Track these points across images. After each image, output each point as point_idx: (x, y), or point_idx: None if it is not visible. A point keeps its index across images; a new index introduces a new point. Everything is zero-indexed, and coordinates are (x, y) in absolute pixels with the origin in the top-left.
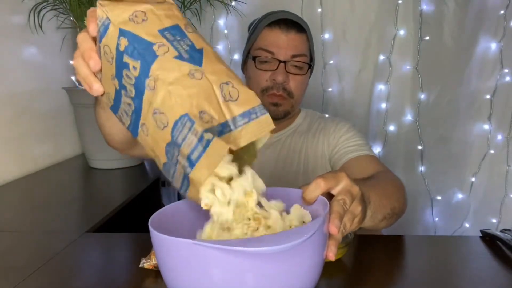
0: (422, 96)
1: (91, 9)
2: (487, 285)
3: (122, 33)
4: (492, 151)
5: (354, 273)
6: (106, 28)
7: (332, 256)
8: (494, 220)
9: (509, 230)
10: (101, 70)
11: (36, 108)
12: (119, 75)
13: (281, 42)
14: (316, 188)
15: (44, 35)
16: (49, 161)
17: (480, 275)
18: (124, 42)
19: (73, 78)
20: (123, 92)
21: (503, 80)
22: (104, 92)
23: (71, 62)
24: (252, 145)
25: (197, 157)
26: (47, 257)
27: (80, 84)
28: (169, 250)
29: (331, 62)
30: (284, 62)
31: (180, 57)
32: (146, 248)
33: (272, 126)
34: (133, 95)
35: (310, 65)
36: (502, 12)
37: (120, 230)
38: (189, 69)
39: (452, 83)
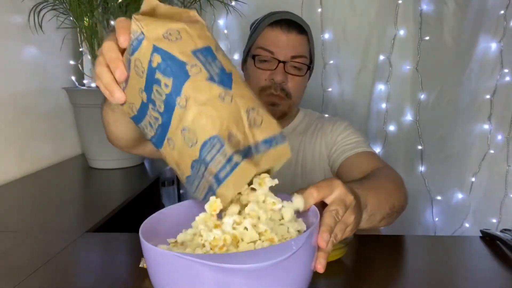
0: (422, 96)
1: (121, 19)
2: (487, 285)
3: (156, 49)
4: (492, 151)
5: (354, 273)
6: (139, 42)
7: (320, 269)
8: (494, 220)
9: (509, 230)
10: (126, 80)
11: (36, 108)
12: (148, 90)
13: (281, 42)
14: (309, 198)
15: (44, 35)
16: (49, 161)
17: (480, 275)
18: (157, 58)
19: (73, 78)
20: (150, 106)
21: (503, 80)
22: (125, 101)
23: (71, 62)
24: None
25: (224, 176)
26: (47, 257)
27: (82, 84)
28: (154, 259)
29: (331, 62)
30: (284, 62)
31: (211, 79)
32: None
33: (289, 154)
34: (162, 110)
35: (309, 67)
36: (502, 12)
37: (120, 230)
38: (220, 91)
39: (452, 83)
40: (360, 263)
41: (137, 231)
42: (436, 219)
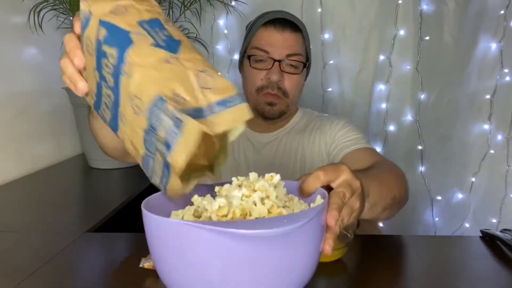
0: (422, 96)
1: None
2: (487, 285)
3: (102, 23)
4: (492, 151)
5: (354, 273)
6: (87, 21)
7: (328, 249)
8: (494, 220)
9: (509, 230)
10: (85, 68)
11: (36, 108)
12: (99, 66)
13: (276, 41)
14: (315, 181)
15: (44, 35)
16: (49, 161)
17: (480, 275)
18: (102, 31)
19: None
20: (103, 84)
21: (503, 80)
22: (88, 91)
23: None
24: (225, 141)
25: (173, 139)
26: (47, 257)
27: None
28: (158, 230)
29: (331, 62)
30: (279, 61)
31: (157, 45)
32: (146, 248)
33: (250, 115)
34: (112, 84)
35: (305, 65)
36: (502, 12)
37: (120, 230)
38: (166, 55)
39: (452, 83)
40: (360, 263)
41: (137, 231)
42: (436, 219)
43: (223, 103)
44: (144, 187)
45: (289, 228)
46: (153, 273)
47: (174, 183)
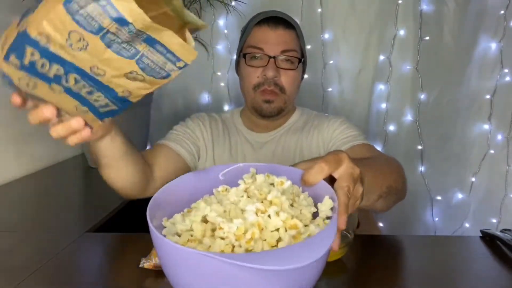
0: (422, 96)
1: None
2: (487, 285)
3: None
4: (492, 151)
5: (354, 273)
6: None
7: (336, 248)
8: (494, 220)
9: (509, 230)
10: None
11: None
12: (42, 76)
13: (270, 38)
14: (319, 173)
15: None
16: (49, 161)
17: (480, 275)
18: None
19: None
20: (63, 84)
21: (503, 80)
22: (57, 111)
23: None
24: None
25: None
26: (47, 257)
27: None
28: (171, 255)
29: (331, 62)
30: (274, 57)
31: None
32: (146, 248)
33: None
34: (60, 69)
35: (300, 60)
36: (502, 12)
37: (120, 230)
38: None
39: (452, 83)
40: (360, 263)
41: (137, 231)
42: (436, 219)
43: None
44: None
45: (316, 259)
46: (153, 273)
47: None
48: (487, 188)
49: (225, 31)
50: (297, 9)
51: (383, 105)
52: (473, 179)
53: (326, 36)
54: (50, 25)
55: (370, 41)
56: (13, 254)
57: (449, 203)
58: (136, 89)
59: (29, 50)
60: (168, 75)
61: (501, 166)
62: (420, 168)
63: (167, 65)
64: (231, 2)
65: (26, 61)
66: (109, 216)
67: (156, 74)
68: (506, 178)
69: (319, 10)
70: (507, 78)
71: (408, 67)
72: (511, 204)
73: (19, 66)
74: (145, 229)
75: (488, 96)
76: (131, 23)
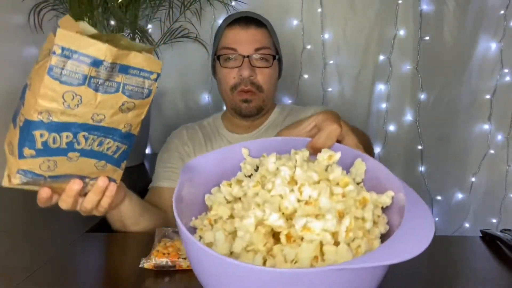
0: (422, 96)
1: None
2: (487, 285)
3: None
4: (492, 151)
5: None
6: None
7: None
8: (494, 220)
9: (509, 230)
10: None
11: None
12: (58, 151)
13: (242, 38)
14: (330, 139)
15: (44, 35)
16: None
17: (480, 275)
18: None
19: None
20: (76, 148)
21: (503, 80)
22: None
23: None
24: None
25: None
26: (47, 257)
27: None
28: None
29: (331, 62)
30: (248, 56)
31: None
32: (146, 248)
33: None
34: (69, 135)
35: (275, 57)
36: (502, 12)
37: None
38: None
39: (452, 83)
40: None
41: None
42: (436, 219)
43: None
44: (144, 187)
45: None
46: (153, 273)
47: None
48: (487, 188)
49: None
50: (297, 9)
51: (383, 105)
52: (473, 179)
53: (326, 36)
54: (45, 100)
55: (370, 41)
56: (13, 254)
57: (449, 203)
58: (133, 118)
59: (37, 133)
60: (150, 91)
61: (501, 166)
62: (420, 168)
63: (145, 82)
64: (231, 2)
65: (39, 145)
66: None
67: (141, 95)
68: (506, 178)
69: (319, 10)
70: (507, 78)
71: (408, 67)
72: (511, 204)
73: (35, 154)
74: None
75: (488, 96)
76: (104, 60)
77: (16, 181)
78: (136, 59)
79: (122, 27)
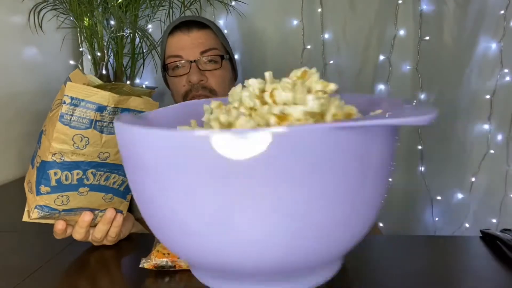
0: (422, 96)
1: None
2: (487, 285)
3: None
4: (492, 151)
5: (354, 273)
6: None
7: None
8: (494, 220)
9: (509, 230)
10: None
11: (36, 108)
12: (70, 187)
13: (186, 43)
14: None
15: (44, 35)
16: None
17: (480, 275)
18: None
19: None
20: (86, 183)
21: (503, 80)
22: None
23: (71, 62)
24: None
25: None
26: (47, 257)
27: None
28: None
29: (331, 62)
30: (195, 61)
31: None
32: (146, 248)
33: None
34: (80, 172)
35: (223, 57)
36: (502, 12)
37: None
38: None
39: (452, 83)
40: (360, 263)
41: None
42: (436, 219)
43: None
44: None
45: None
46: (153, 273)
47: None
48: (487, 188)
49: (225, 31)
50: (297, 9)
51: None
52: (473, 179)
53: (326, 36)
54: (57, 143)
55: (370, 41)
56: (13, 254)
57: (449, 203)
58: None
59: (52, 172)
60: None
61: (501, 166)
62: (420, 168)
63: None
64: (231, 2)
65: (53, 182)
66: None
67: None
68: (506, 178)
69: (319, 10)
70: (507, 78)
71: (408, 67)
72: (511, 204)
73: (50, 190)
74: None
75: (488, 96)
76: (107, 105)
77: (35, 215)
78: (135, 102)
79: (122, 27)
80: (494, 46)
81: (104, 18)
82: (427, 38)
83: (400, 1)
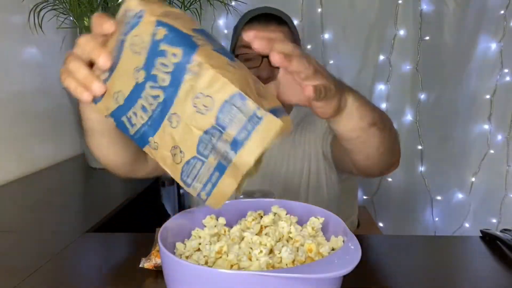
0: (422, 96)
1: (97, 14)
2: (487, 285)
3: (160, 23)
4: (492, 151)
5: (354, 273)
6: (139, 18)
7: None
8: (494, 220)
9: (509, 230)
10: (111, 69)
11: (36, 108)
12: (149, 65)
13: None
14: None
15: (44, 35)
16: (49, 161)
17: (480, 275)
18: (162, 31)
19: None
20: (149, 84)
21: (503, 80)
22: (103, 95)
23: None
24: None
25: (245, 137)
26: (47, 257)
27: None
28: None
29: (331, 62)
30: (267, 57)
31: (217, 50)
32: (146, 248)
33: (291, 126)
34: (166, 83)
35: None
36: (502, 12)
37: (120, 230)
38: (228, 61)
39: (452, 83)
40: (360, 263)
41: (137, 231)
42: (436, 219)
43: (274, 112)
44: (144, 187)
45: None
46: (153, 273)
47: (227, 185)
48: (487, 188)
49: (225, 31)
50: (297, 9)
51: (383, 105)
52: (473, 179)
53: (326, 36)
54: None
55: (370, 41)
56: (13, 254)
57: (449, 203)
58: None
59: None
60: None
61: (501, 166)
62: (420, 168)
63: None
64: (231, 2)
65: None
66: (109, 216)
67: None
68: (506, 178)
69: (319, 10)
70: (507, 78)
71: (408, 67)
72: (511, 204)
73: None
74: (145, 229)
75: (488, 96)
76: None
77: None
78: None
79: None
80: (494, 46)
81: None
82: (427, 38)
83: (400, 1)
